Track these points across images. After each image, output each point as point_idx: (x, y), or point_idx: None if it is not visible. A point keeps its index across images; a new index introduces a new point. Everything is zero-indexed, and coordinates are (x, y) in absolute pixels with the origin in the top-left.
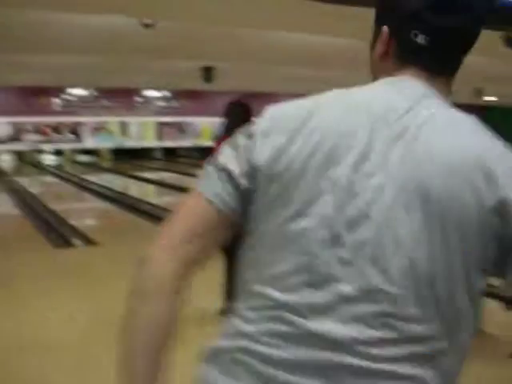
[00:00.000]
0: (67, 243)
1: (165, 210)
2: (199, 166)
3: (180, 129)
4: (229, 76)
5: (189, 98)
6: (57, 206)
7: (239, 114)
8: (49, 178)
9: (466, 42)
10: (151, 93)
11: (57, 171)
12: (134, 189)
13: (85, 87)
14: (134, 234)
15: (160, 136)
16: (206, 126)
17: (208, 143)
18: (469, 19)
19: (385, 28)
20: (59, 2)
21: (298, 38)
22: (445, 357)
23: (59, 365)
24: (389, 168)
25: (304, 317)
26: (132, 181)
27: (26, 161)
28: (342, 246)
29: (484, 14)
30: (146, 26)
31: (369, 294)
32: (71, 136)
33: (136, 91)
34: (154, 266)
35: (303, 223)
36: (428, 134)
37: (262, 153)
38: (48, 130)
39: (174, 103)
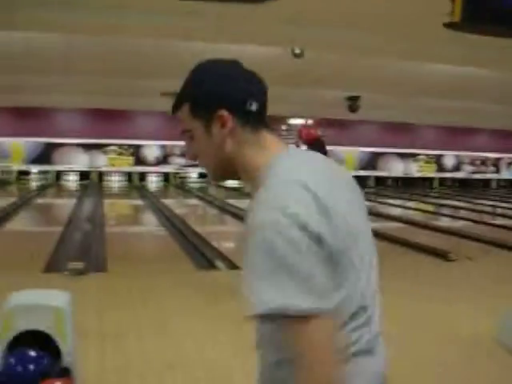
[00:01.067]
0: (211, 265)
1: None
2: None
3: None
4: (373, 106)
5: (332, 127)
6: (200, 228)
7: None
8: (193, 201)
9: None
10: (296, 121)
11: (201, 194)
12: None
13: None
14: None
15: None
16: (349, 154)
17: (352, 172)
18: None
19: (222, 111)
20: (216, 33)
21: (442, 70)
22: None
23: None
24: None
25: None
26: None
27: (172, 183)
28: None
29: None
30: (296, 55)
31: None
32: None
33: (282, 119)
34: None
35: None
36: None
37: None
38: None
39: (318, 131)
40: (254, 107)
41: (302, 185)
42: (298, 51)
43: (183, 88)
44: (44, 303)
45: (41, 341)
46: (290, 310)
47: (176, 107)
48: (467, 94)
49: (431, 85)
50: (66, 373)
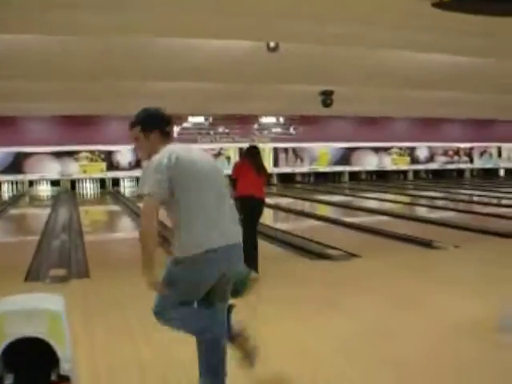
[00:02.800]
0: None
1: (283, 232)
2: (315, 191)
3: (296, 154)
4: (345, 101)
5: (305, 124)
6: None
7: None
8: None
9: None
10: (268, 119)
11: None
12: None
13: (203, 115)
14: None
15: (276, 162)
16: (322, 151)
17: (324, 168)
18: None
19: (156, 131)
20: (187, 28)
21: (412, 58)
22: None
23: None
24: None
25: None
26: None
27: None
28: None
29: None
30: (271, 49)
31: None
32: None
33: (254, 118)
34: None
35: None
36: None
37: None
38: None
39: (291, 129)
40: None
41: (169, 150)
42: (272, 45)
43: (137, 117)
44: (38, 307)
45: (36, 347)
46: (140, 192)
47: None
48: (439, 84)
49: (403, 76)
50: (65, 381)
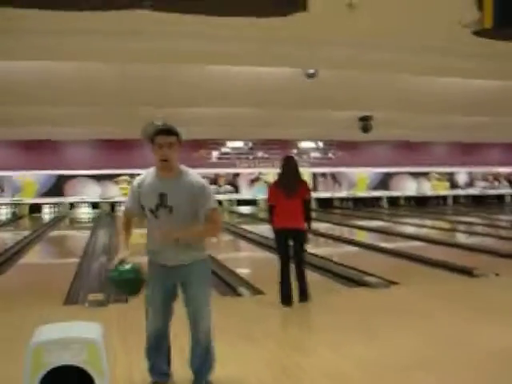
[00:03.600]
0: (234, 292)
1: (321, 258)
2: (353, 216)
3: (334, 179)
4: (384, 125)
5: (344, 149)
6: (218, 255)
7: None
8: None
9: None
10: (307, 144)
11: None
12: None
13: (243, 139)
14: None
15: (315, 187)
16: (361, 176)
17: (363, 193)
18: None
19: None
20: (220, 55)
21: (452, 84)
22: None
23: None
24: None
25: None
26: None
27: None
28: None
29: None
30: (309, 75)
31: None
32: (229, 187)
33: (292, 142)
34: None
35: None
36: None
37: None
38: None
39: (329, 154)
40: None
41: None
42: (311, 71)
43: (172, 127)
44: (76, 336)
45: (75, 375)
46: (214, 205)
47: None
48: (479, 108)
49: (442, 100)
50: None
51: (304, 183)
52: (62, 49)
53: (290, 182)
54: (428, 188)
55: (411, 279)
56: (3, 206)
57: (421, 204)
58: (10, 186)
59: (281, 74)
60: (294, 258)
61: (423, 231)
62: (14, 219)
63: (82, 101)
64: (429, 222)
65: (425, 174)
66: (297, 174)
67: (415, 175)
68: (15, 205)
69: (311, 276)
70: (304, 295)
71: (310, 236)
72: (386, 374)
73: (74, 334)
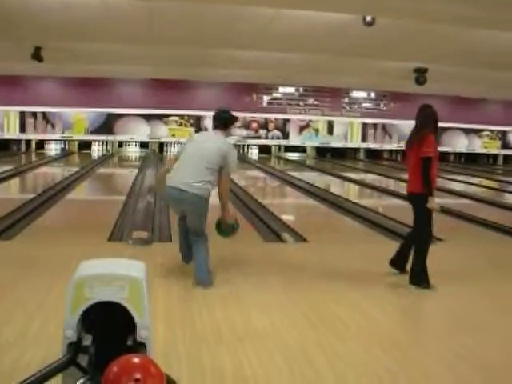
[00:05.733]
0: (278, 238)
1: (365, 209)
2: (401, 169)
3: (385, 131)
4: (439, 79)
5: (396, 100)
6: (263, 201)
7: (426, 116)
8: (254, 172)
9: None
10: (358, 93)
11: (262, 166)
12: (336, 188)
13: (294, 85)
14: (337, 231)
15: (364, 137)
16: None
17: None
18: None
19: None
20: None
21: None
22: None
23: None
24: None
25: None
26: (334, 179)
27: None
28: None
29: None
30: (367, 23)
31: None
32: (278, 133)
33: (343, 91)
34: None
35: None
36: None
37: None
38: (256, 126)
39: (381, 105)
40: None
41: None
42: (369, 19)
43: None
44: (120, 273)
45: (115, 312)
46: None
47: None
48: None
49: (499, 56)
50: (141, 348)
51: (422, 137)
52: None
53: (410, 134)
54: (479, 145)
55: (454, 236)
56: (53, 142)
57: (470, 161)
58: (60, 122)
59: (337, 20)
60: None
61: (471, 189)
62: (64, 155)
63: (136, 39)
64: (477, 180)
65: (476, 132)
66: (418, 126)
67: (467, 132)
68: (65, 141)
69: (354, 225)
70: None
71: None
72: (426, 338)
73: (117, 270)
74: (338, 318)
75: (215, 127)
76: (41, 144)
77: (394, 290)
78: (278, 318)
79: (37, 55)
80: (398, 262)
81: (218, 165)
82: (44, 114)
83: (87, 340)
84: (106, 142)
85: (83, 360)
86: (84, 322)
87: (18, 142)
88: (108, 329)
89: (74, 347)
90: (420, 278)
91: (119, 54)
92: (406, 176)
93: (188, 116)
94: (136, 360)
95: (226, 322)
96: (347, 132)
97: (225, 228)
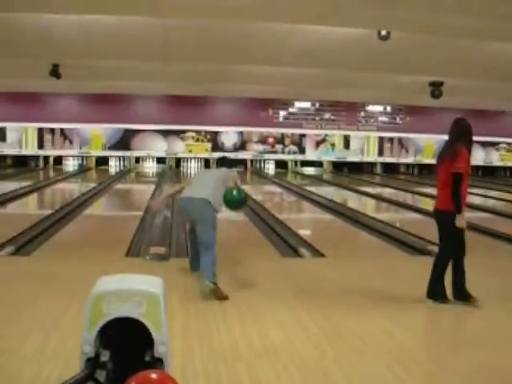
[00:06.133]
0: (295, 253)
1: (383, 223)
2: (418, 183)
3: (401, 144)
4: (455, 92)
5: (413, 114)
6: (280, 216)
7: (460, 130)
8: (271, 187)
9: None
10: (374, 107)
11: (279, 181)
12: (353, 202)
13: (310, 100)
14: (354, 245)
15: (381, 151)
16: (428, 142)
17: (429, 160)
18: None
19: None
20: (293, 15)
21: None
22: None
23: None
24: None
25: None
26: (351, 194)
27: (251, 169)
28: None
29: None
30: (382, 37)
31: None
32: (294, 147)
33: (359, 105)
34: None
35: None
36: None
37: None
38: (272, 141)
39: (397, 119)
40: None
41: None
42: (384, 33)
43: None
44: (138, 288)
45: (133, 327)
46: None
47: None
48: None
49: None
50: (158, 364)
51: (455, 152)
52: (143, 3)
53: (442, 149)
54: (496, 158)
55: (473, 250)
56: (71, 158)
57: (488, 174)
58: (78, 138)
59: (352, 34)
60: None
61: (489, 202)
62: (81, 171)
63: (153, 56)
64: (495, 194)
65: (494, 144)
66: (451, 140)
67: (484, 144)
68: (82, 157)
69: (371, 240)
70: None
71: (458, 222)
72: (445, 347)
73: (135, 286)
74: (355, 334)
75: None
76: (59, 160)
77: (411, 306)
78: (295, 333)
79: (55, 72)
80: (462, 292)
81: (223, 182)
82: (62, 130)
83: (105, 356)
84: (123, 158)
85: (101, 376)
86: (102, 337)
87: (36, 158)
88: (126, 344)
89: (92, 363)
90: (437, 293)
91: (136, 70)
92: (423, 190)
93: (205, 132)
94: (154, 376)
95: (243, 338)
96: (364, 146)
97: (229, 191)
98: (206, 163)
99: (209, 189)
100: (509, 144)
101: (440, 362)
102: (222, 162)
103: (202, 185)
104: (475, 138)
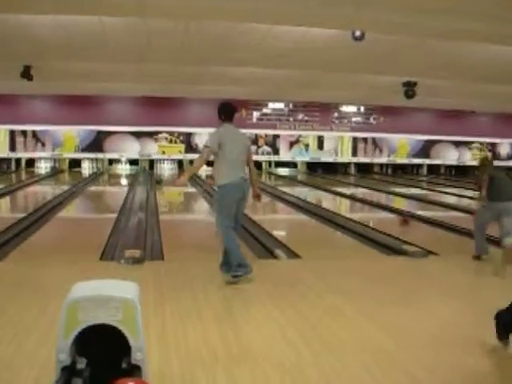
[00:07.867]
0: (271, 254)
1: (357, 223)
2: (392, 183)
3: (375, 145)
4: (428, 93)
5: (386, 114)
6: (255, 217)
7: None
8: None
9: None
10: (348, 108)
11: None
12: (328, 202)
13: (283, 101)
14: (330, 246)
15: (354, 151)
16: (402, 142)
17: (403, 160)
18: None
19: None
20: (265, 14)
21: (504, 52)
22: None
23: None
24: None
25: None
26: (326, 194)
27: None
28: None
29: None
30: (356, 38)
31: None
32: (268, 148)
33: (333, 106)
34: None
35: None
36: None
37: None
38: None
39: (371, 119)
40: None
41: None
42: (358, 34)
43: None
44: (113, 295)
45: (109, 334)
46: (205, 144)
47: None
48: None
49: (487, 70)
50: (136, 371)
51: None
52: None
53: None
54: (469, 158)
55: (447, 250)
56: (43, 160)
57: (461, 173)
58: (50, 140)
59: (326, 35)
60: None
61: (462, 201)
62: (54, 173)
63: (126, 57)
64: (468, 193)
65: (466, 144)
66: None
67: (457, 144)
68: (55, 159)
69: (347, 240)
70: None
71: None
72: (421, 346)
73: (111, 292)
74: (333, 335)
75: (226, 120)
76: (31, 162)
77: (389, 306)
78: (272, 336)
79: (26, 74)
80: None
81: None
82: (34, 132)
83: (81, 363)
84: (96, 160)
85: None
86: (78, 344)
87: (8, 160)
88: (102, 351)
89: (68, 371)
90: None
91: (109, 72)
92: (397, 190)
93: (178, 133)
94: None
95: (220, 342)
96: (337, 147)
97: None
98: (180, 165)
99: (244, 167)
100: (481, 143)
101: (419, 364)
102: (229, 114)
103: (241, 159)
104: (448, 138)
